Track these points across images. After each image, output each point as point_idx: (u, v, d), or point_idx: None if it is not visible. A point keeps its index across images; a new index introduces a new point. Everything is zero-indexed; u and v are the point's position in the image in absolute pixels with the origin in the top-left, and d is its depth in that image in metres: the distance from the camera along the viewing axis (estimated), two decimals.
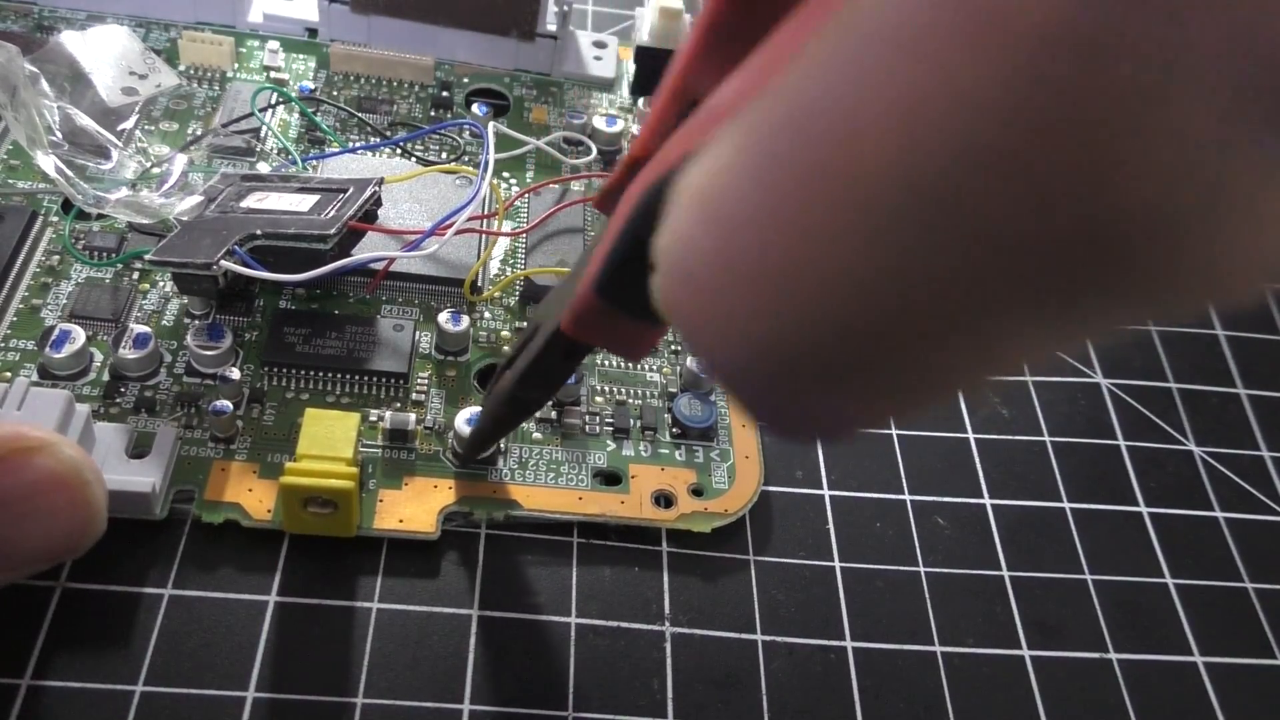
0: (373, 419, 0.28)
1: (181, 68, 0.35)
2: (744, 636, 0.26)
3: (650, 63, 0.38)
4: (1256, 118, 0.08)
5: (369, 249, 0.29)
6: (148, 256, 0.28)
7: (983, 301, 0.09)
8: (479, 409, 0.27)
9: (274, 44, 0.37)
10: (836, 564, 0.28)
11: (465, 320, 0.29)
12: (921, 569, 0.28)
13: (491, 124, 0.33)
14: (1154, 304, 0.10)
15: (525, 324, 0.24)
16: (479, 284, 0.31)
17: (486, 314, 0.31)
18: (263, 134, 0.34)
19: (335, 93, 0.36)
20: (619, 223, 0.17)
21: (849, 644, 0.27)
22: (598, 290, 0.18)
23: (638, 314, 0.18)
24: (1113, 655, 0.27)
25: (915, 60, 0.08)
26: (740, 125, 0.11)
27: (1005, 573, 0.29)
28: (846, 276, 0.10)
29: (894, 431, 0.31)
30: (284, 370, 0.28)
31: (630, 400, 0.30)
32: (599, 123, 0.36)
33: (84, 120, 0.30)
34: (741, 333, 0.11)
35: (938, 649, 0.27)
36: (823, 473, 0.30)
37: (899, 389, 0.11)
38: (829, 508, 0.29)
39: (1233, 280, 0.09)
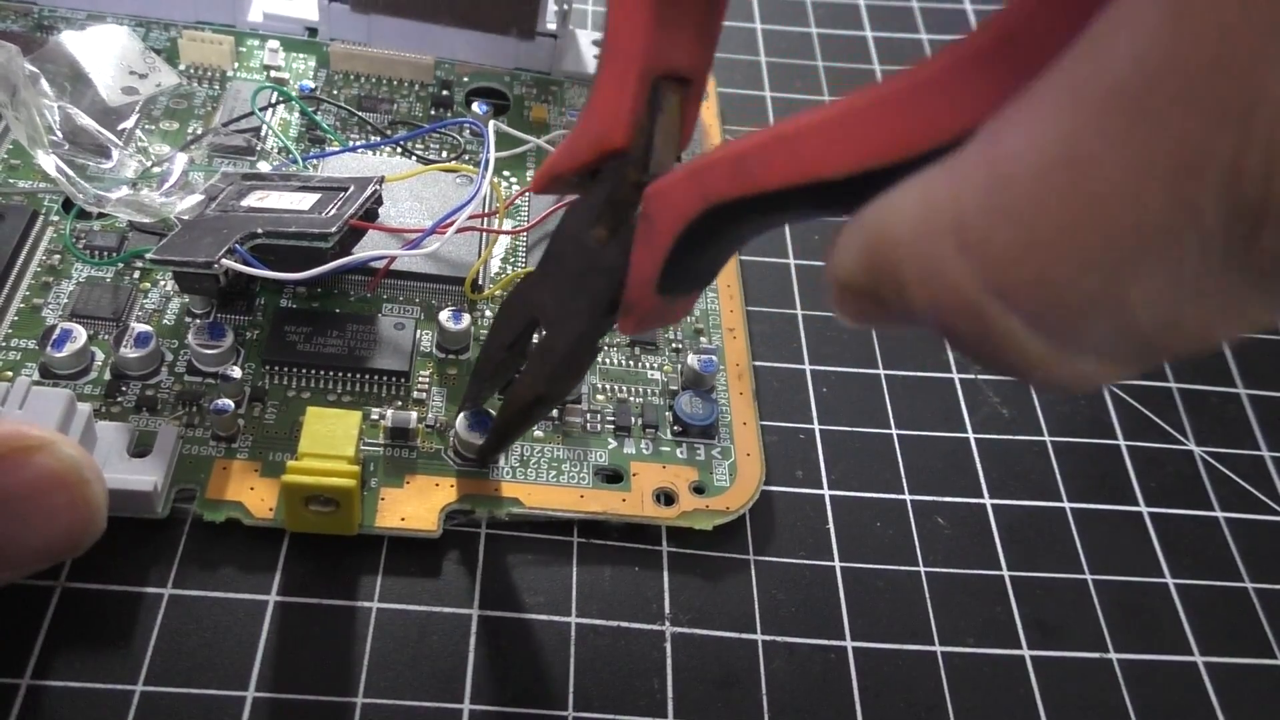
0: (374, 417, 0.28)
1: (182, 67, 0.35)
2: (744, 636, 0.26)
3: None
4: None
5: (370, 247, 0.29)
6: (149, 255, 0.28)
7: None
8: (466, 416, 0.27)
9: (274, 43, 0.37)
10: (836, 564, 0.28)
11: (466, 319, 0.29)
12: (921, 569, 0.28)
13: (492, 123, 0.33)
14: None
15: (499, 318, 0.25)
16: (480, 282, 0.31)
17: (488, 312, 0.31)
18: (263, 133, 0.34)
19: (335, 92, 0.36)
20: (671, 231, 0.19)
21: (849, 644, 0.27)
22: (660, 291, 0.20)
23: (688, 290, 0.21)
24: (1113, 655, 0.28)
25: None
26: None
27: (1005, 573, 0.29)
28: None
29: (894, 431, 0.31)
30: (285, 369, 0.28)
31: (631, 398, 0.30)
32: None
33: (84, 120, 0.30)
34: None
35: (938, 649, 0.27)
36: (823, 473, 0.30)
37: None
38: (829, 507, 0.29)
39: None
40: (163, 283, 0.30)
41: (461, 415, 0.27)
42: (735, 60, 0.43)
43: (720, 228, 0.18)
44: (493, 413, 0.27)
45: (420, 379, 0.29)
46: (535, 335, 0.25)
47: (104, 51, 0.33)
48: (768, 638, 0.26)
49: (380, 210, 0.30)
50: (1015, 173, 0.12)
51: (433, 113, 0.36)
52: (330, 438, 0.25)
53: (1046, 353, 0.13)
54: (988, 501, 0.30)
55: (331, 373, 0.28)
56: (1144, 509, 0.31)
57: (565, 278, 0.23)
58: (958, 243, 0.12)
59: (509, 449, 0.28)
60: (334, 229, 0.27)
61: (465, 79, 0.38)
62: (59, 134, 0.30)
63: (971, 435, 0.32)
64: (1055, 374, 0.13)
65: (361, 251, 0.29)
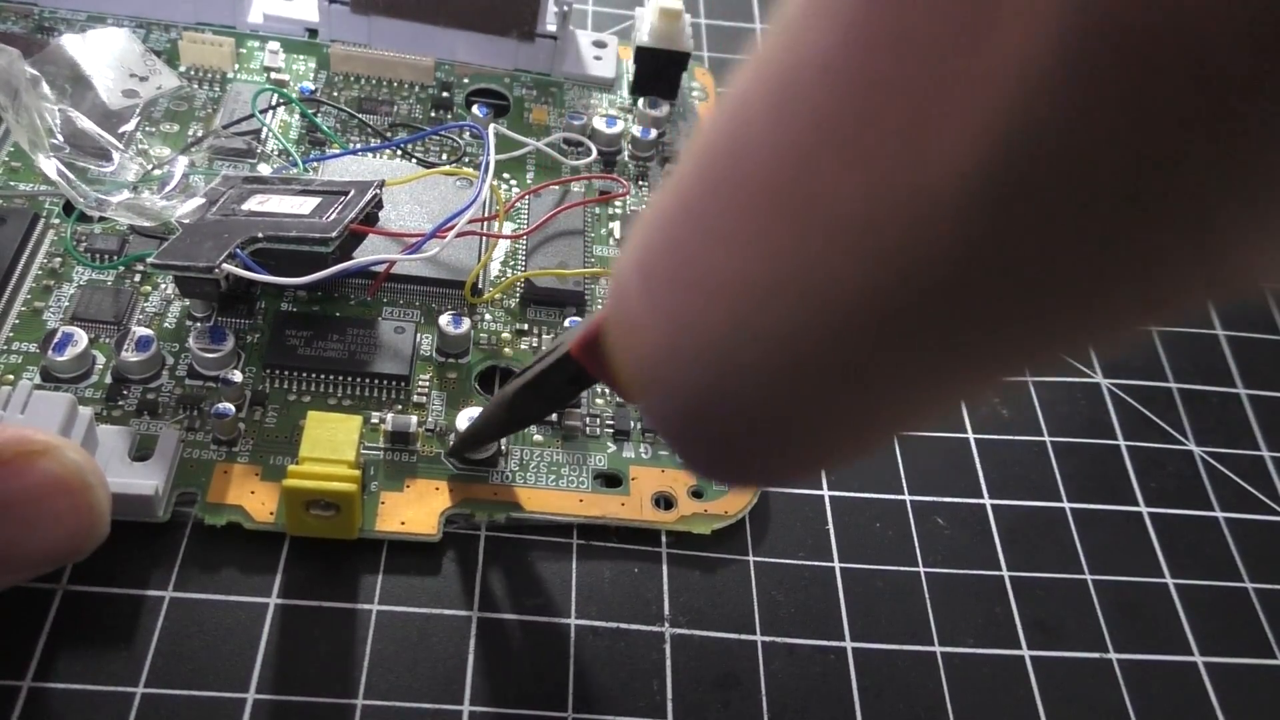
0: (374, 421, 0.28)
1: (182, 69, 0.35)
2: (744, 637, 0.26)
3: (650, 63, 0.38)
4: None
5: (370, 251, 0.29)
6: (150, 259, 0.28)
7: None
8: (478, 409, 0.27)
9: (274, 45, 0.37)
10: (836, 564, 0.28)
11: (466, 323, 0.29)
12: (921, 569, 0.28)
13: (492, 125, 0.33)
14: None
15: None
16: (480, 286, 0.31)
17: (487, 316, 0.31)
18: (263, 135, 0.34)
19: (336, 93, 0.36)
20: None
21: (849, 644, 0.27)
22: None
23: None
24: (1113, 655, 0.28)
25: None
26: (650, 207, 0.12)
27: (1005, 573, 0.29)
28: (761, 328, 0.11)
29: None
30: (286, 373, 0.28)
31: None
32: (599, 123, 0.36)
33: (85, 123, 0.30)
34: (671, 378, 0.12)
35: (938, 649, 0.27)
36: (823, 473, 0.30)
37: (810, 433, 0.12)
38: (829, 508, 0.29)
39: None
40: (164, 286, 0.30)
41: (459, 417, 0.27)
42: (735, 61, 0.43)
43: None
44: None
45: (420, 383, 0.29)
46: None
47: (104, 54, 0.33)
48: (767, 638, 0.26)
49: (380, 214, 0.30)
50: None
51: (433, 114, 0.36)
52: (331, 442, 0.25)
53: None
54: (987, 502, 0.30)
55: (332, 377, 0.28)
56: (1144, 509, 0.31)
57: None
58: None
59: (491, 452, 0.28)
60: (335, 233, 0.27)
61: (465, 80, 0.38)
62: (60, 137, 0.30)
63: (971, 435, 0.32)
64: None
65: (362, 256, 0.29)
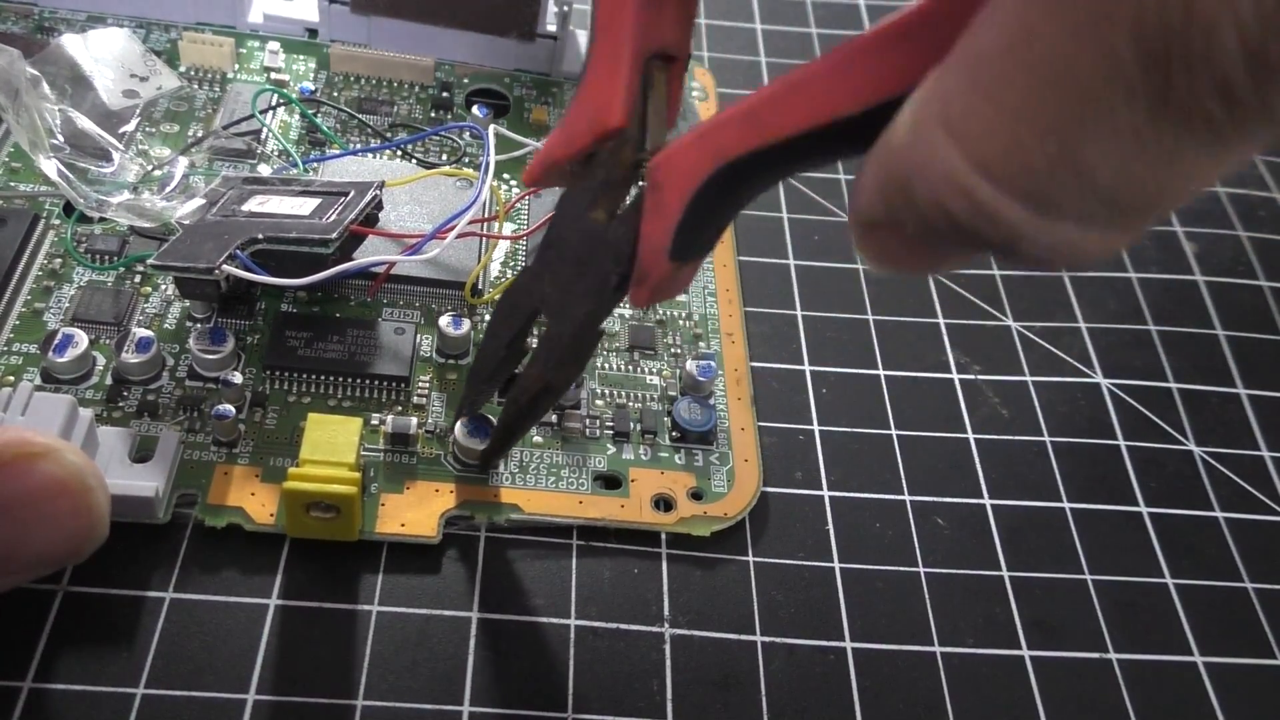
0: (374, 423, 0.28)
1: (182, 69, 0.35)
2: (743, 637, 0.26)
3: None
4: None
5: (370, 252, 0.29)
6: (150, 261, 0.28)
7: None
8: (464, 424, 0.27)
9: (274, 45, 0.37)
10: (836, 564, 0.28)
11: (466, 324, 0.29)
12: (921, 569, 0.28)
13: (492, 126, 0.33)
14: None
15: (498, 317, 0.25)
16: (480, 287, 0.31)
17: (487, 317, 0.31)
18: (263, 136, 0.34)
19: (335, 94, 0.36)
20: (683, 197, 0.20)
21: (849, 644, 0.27)
22: (673, 257, 0.21)
23: (696, 257, 0.21)
24: (1113, 655, 0.28)
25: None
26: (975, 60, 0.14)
27: (1005, 573, 0.29)
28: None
29: (893, 432, 0.31)
30: (286, 374, 0.28)
31: (630, 404, 0.30)
32: None
33: (85, 123, 0.30)
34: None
35: (938, 649, 0.27)
36: (822, 473, 0.30)
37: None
38: (829, 508, 0.29)
39: None
40: (164, 287, 0.30)
41: (460, 422, 0.27)
42: (735, 60, 0.43)
43: (731, 186, 0.19)
44: (491, 418, 0.27)
45: (420, 384, 0.29)
46: (535, 330, 0.25)
47: (104, 54, 0.33)
48: (767, 639, 0.26)
49: (380, 215, 0.30)
50: (983, 58, 0.14)
51: (433, 114, 0.36)
52: (331, 444, 0.25)
53: (1032, 222, 0.14)
54: (987, 502, 0.30)
55: (332, 378, 0.28)
56: (1144, 509, 0.31)
57: (566, 265, 0.23)
58: (945, 130, 0.14)
59: (510, 451, 0.28)
60: (335, 234, 0.27)
61: (465, 81, 0.38)
62: (60, 137, 0.30)
63: (971, 435, 0.32)
64: (1045, 243, 0.15)
65: (362, 256, 0.29)
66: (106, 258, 0.30)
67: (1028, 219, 0.14)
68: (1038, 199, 0.14)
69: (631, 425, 0.29)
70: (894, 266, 0.18)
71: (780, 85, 0.18)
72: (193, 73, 0.36)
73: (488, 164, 0.31)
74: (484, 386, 0.26)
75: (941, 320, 0.35)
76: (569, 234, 0.23)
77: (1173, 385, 0.34)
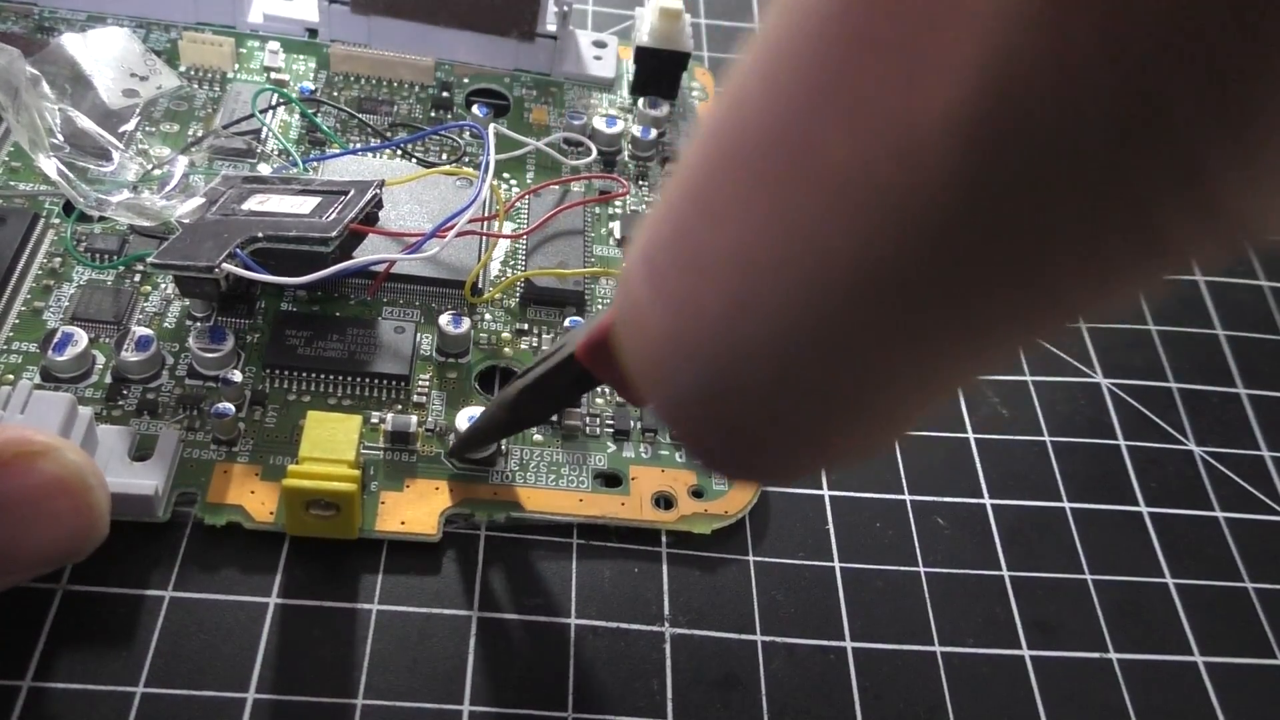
0: (374, 421, 0.28)
1: (182, 69, 0.35)
2: (744, 637, 0.26)
3: (650, 63, 0.38)
4: None
5: (370, 251, 0.29)
6: (150, 259, 0.28)
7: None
8: (478, 409, 0.27)
9: (274, 45, 0.37)
10: (836, 564, 0.28)
11: (466, 322, 0.29)
12: (921, 569, 0.28)
13: (492, 125, 0.33)
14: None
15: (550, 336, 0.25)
16: (480, 286, 0.31)
17: (487, 316, 0.31)
18: (263, 135, 0.34)
19: (335, 93, 0.36)
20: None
21: (849, 644, 0.27)
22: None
23: None
24: (1113, 655, 0.28)
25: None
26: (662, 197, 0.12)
27: (1005, 573, 0.29)
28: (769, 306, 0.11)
29: None
30: (286, 372, 0.28)
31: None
32: (599, 123, 0.36)
33: (85, 122, 0.30)
34: (677, 365, 0.12)
35: (938, 649, 0.27)
36: (822, 473, 0.30)
37: (817, 415, 0.12)
38: (829, 508, 0.29)
39: None
40: (164, 286, 0.30)
41: (459, 417, 0.27)
42: (735, 60, 0.43)
43: None
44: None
45: (420, 383, 0.29)
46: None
47: (104, 53, 0.33)
48: (767, 638, 0.26)
49: (380, 214, 0.30)
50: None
51: (433, 114, 0.36)
52: (331, 442, 0.25)
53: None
54: (987, 501, 0.30)
55: (332, 376, 0.28)
56: (1144, 509, 0.31)
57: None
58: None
59: (490, 452, 0.28)
60: (335, 233, 0.27)
61: (465, 80, 0.38)
62: (60, 136, 0.30)
63: (971, 435, 0.32)
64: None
65: (362, 255, 0.29)
66: (106, 256, 0.30)
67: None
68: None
69: (632, 423, 0.29)
70: None
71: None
72: (193, 72, 0.36)
73: (488, 163, 0.31)
74: (508, 429, 0.27)
75: None
76: None
77: (1173, 385, 0.34)
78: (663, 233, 0.12)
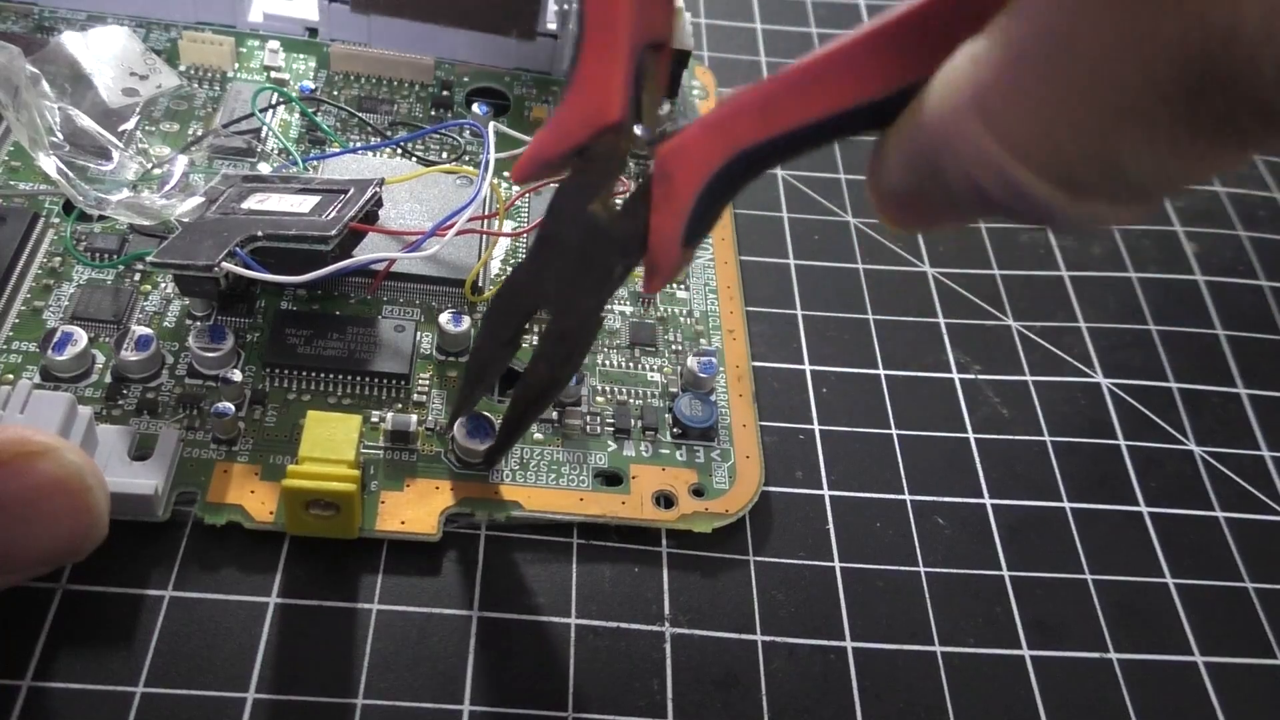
0: (374, 420, 0.28)
1: (182, 68, 0.35)
2: (744, 637, 0.26)
3: None
4: None
5: (370, 250, 0.29)
6: (149, 258, 0.28)
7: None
8: (462, 423, 0.27)
9: (274, 44, 0.37)
10: (836, 564, 0.28)
11: (466, 321, 0.29)
12: (921, 569, 0.28)
13: (492, 124, 0.33)
14: None
15: (493, 316, 0.25)
16: (480, 284, 0.31)
17: None
18: (263, 134, 0.34)
19: (335, 93, 0.36)
20: (695, 185, 0.20)
21: (849, 644, 0.27)
22: (687, 243, 0.21)
23: (699, 240, 0.22)
24: (1113, 655, 0.28)
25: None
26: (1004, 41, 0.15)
27: (1005, 573, 0.29)
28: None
29: (894, 431, 0.31)
30: (286, 371, 0.28)
31: (631, 400, 0.30)
32: None
33: (85, 121, 0.30)
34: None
35: (938, 649, 0.27)
36: (823, 473, 0.30)
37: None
38: (829, 508, 0.29)
39: None
40: (163, 285, 0.30)
41: (459, 423, 0.27)
42: (735, 60, 0.43)
43: (743, 172, 0.20)
44: (488, 416, 0.27)
45: (420, 381, 0.29)
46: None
47: (104, 53, 0.33)
48: (767, 638, 0.26)
49: (380, 212, 0.30)
50: (1023, 56, 0.14)
51: (433, 113, 0.36)
52: (330, 442, 0.25)
53: (1063, 200, 0.15)
54: (988, 501, 0.30)
55: (332, 375, 0.28)
56: (1144, 509, 0.31)
57: (568, 259, 0.23)
58: (981, 118, 0.15)
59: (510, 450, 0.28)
60: (334, 231, 0.27)
61: (465, 79, 0.38)
62: (60, 136, 0.30)
63: (971, 435, 0.32)
64: (1074, 217, 0.16)
65: (362, 254, 0.29)
66: (106, 256, 0.30)
67: (1060, 198, 0.15)
68: (1070, 183, 0.15)
69: (632, 422, 0.29)
70: (915, 228, 0.19)
71: (797, 73, 0.18)
72: (193, 72, 0.36)
73: (488, 161, 0.31)
74: (478, 386, 0.26)
75: (942, 320, 0.35)
76: (568, 230, 0.22)
77: (1173, 385, 0.34)
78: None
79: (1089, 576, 0.29)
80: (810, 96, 0.18)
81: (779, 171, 0.39)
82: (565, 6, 0.37)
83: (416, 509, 0.26)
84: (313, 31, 0.38)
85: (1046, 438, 0.32)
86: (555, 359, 0.24)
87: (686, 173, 0.20)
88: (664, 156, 0.20)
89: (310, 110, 0.35)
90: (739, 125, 0.19)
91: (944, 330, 0.35)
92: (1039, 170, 0.15)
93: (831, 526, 0.29)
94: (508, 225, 0.33)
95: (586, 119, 0.21)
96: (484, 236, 0.32)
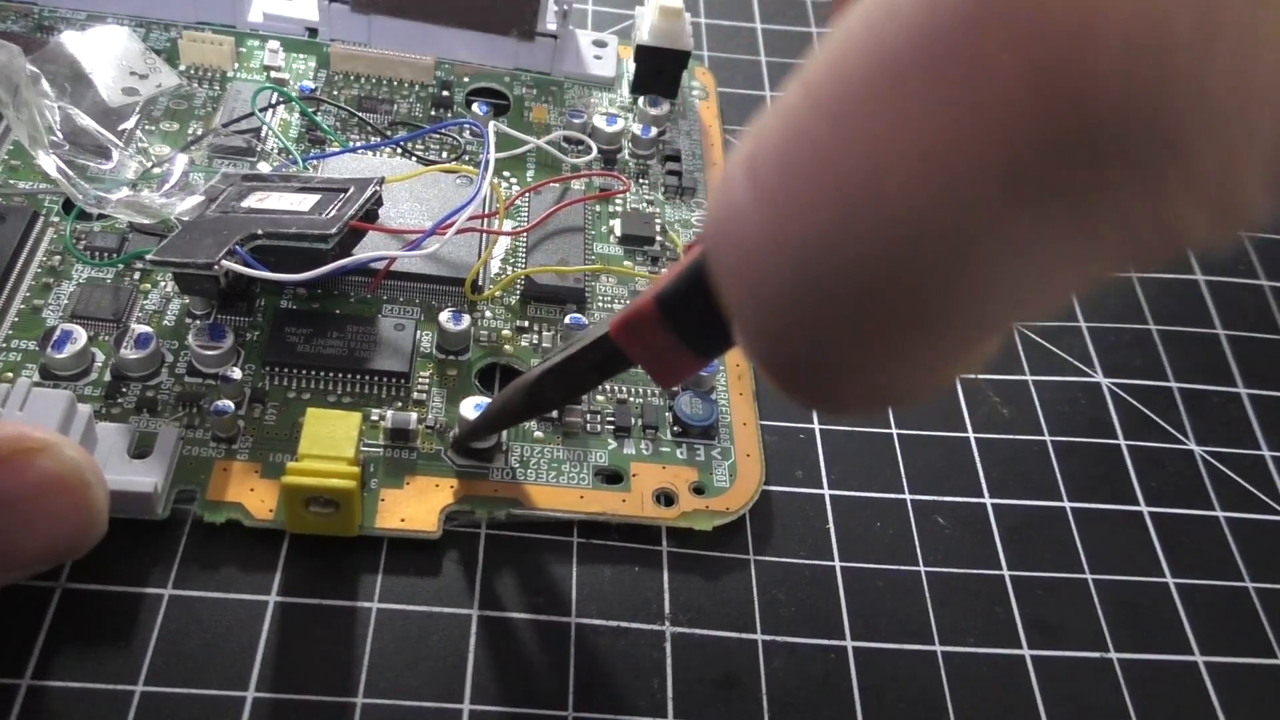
0: (374, 418, 0.28)
1: (182, 68, 0.35)
2: (744, 636, 0.26)
3: (650, 61, 0.38)
4: None
5: (370, 248, 0.29)
6: (149, 256, 0.28)
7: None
8: (483, 399, 0.27)
9: (274, 44, 0.37)
10: (837, 564, 0.28)
11: (466, 319, 0.29)
12: (922, 569, 0.28)
13: (492, 123, 0.33)
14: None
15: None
16: (480, 283, 0.31)
17: (487, 313, 0.31)
18: (263, 134, 0.34)
19: (335, 92, 0.36)
20: (698, 247, 0.18)
21: (849, 644, 0.27)
22: (658, 300, 0.19)
23: (686, 339, 0.19)
24: (1113, 655, 0.28)
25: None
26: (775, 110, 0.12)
27: (1005, 572, 0.29)
28: (865, 227, 0.11)
29: (894, 431, 0.31)
30: (285, 370, 0.28)
31: (631, 398, 0.30)
32: (599, 122, 0.36)
33: (85, 120, 0.30)
34: (779, 283, 0.12)
35: (938, 649, 0.27)
36: (823, 472, 0.30)
37: (915, 344, 0.12)
38: (829, 507, 0.29)
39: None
40: (163, 284, 0.30)
41: (466, 404, 0.27)
42: (735, 60, 0.43)
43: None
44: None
45: (420, 380, 0.29)
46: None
47: (104, 52, 0.33)
48: (768, 638, 0.26)
49: (380, 211, 0.30)
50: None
51: (433, 113, 0.36)
52: (330, 439, 0.25)
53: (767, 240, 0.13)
54: (988, 501, 0.30)
55: (331, 374, 0.28)
56: (1144, 508, 0.31)
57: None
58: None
59: (490, 444, 0.27)
60: (334, 230, 0.27)
61: (465, 79, 0.38)
62: (59, 134, 0.30)
63: (971, 435, 0.32)
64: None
65: (362, 252, 0.29)
66: (105, 254, 0.30)
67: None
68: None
69: (633, 420, 0.29)
70: None
71: None
72: (192, 72, 0.36)
73: (488, 160, 0.31)
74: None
75: None
76: None
77: (1173, 385, 0.34)
78: (772, 138, 0.12)
79: (1089, 576, 0.29)
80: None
81: None
82: (565, 7, 0.37)
83: (416, 506, 0.26)
84: (313, 31, 0.38)
85: (1047, 437, 0.32)
86: (550, 357, 0.23)
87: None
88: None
89: (310, 110, 0.35)
90: None
91: None
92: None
93: (832, 526, 0.29)
94: (507, 224, 0.33)
95: None
96: (484, 235, 0.32)
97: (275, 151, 0.34)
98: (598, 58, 0.39)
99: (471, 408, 0.27)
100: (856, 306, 0.12)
